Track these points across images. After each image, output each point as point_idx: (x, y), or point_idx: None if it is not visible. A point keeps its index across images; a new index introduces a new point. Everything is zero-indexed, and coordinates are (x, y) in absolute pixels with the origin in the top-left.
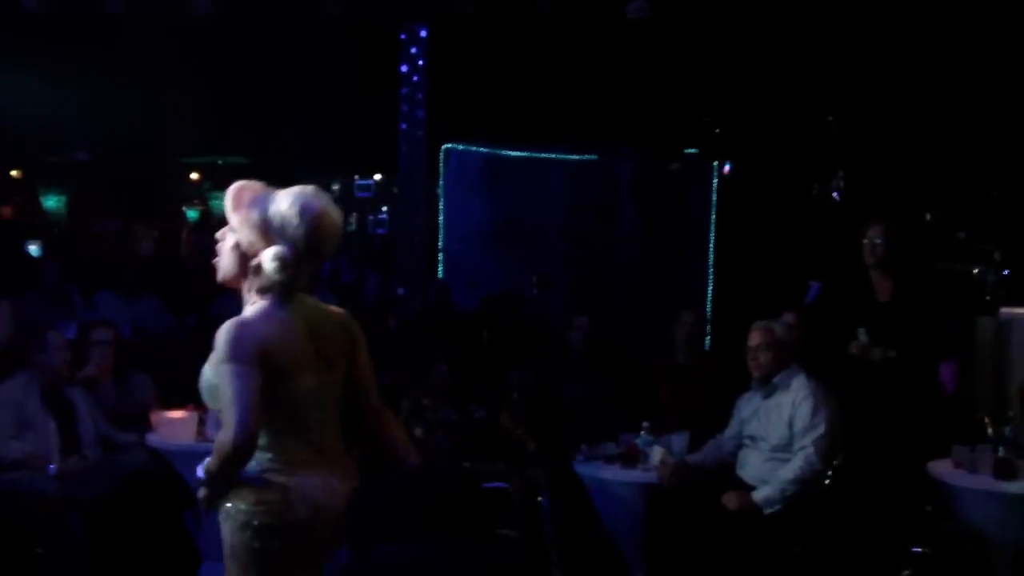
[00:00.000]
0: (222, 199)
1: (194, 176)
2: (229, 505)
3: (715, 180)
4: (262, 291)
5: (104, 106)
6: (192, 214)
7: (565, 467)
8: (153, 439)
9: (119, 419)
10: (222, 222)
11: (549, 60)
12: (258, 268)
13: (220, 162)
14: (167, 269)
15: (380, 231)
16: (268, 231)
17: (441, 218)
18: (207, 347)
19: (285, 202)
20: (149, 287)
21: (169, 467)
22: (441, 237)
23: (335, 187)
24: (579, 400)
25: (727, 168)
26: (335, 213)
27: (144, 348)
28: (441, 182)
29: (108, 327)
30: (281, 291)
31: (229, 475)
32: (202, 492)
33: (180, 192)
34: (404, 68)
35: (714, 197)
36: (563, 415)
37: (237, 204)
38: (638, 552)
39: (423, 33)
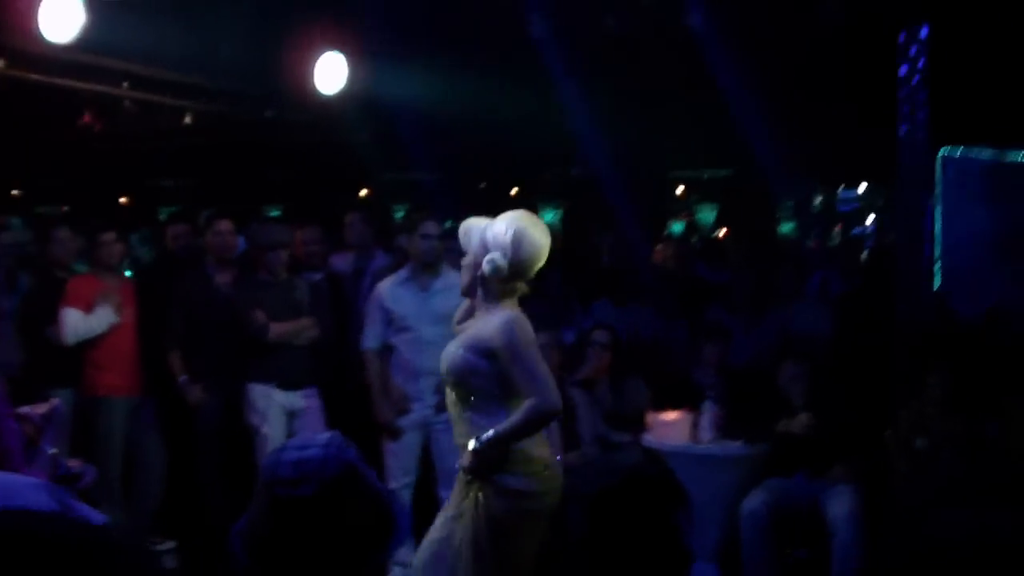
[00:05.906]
0: (707, 211)
1: (680, 189)
2: (503, 475)
3: None
4: (494, 298)
5: (599, 123)
6: (677, 227)
7: None
8: (648, 439)
9: (615, 420)
10: (706, 235)
11: None
12: (483, 278)
13: (705, 175)
14: (657, 279)
15: (867, 244)
16: (487, 248)
17: (938, 228)
18: (698, 352)
19: (500, 225)
20: (641, 296)
21: (663, 467)
22: (938, 248)
23: (818, 199)
24: None
25: None
26: (539, 233)
27: (638, 353)
28: (937, 190)
29: (605, 330)
30: (510, 297)
31: (520, 439)
32: (473, 461)
33: (667, 206)
34: (903, 71)
35: None
36: None
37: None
38: None
39: (923, 34)
